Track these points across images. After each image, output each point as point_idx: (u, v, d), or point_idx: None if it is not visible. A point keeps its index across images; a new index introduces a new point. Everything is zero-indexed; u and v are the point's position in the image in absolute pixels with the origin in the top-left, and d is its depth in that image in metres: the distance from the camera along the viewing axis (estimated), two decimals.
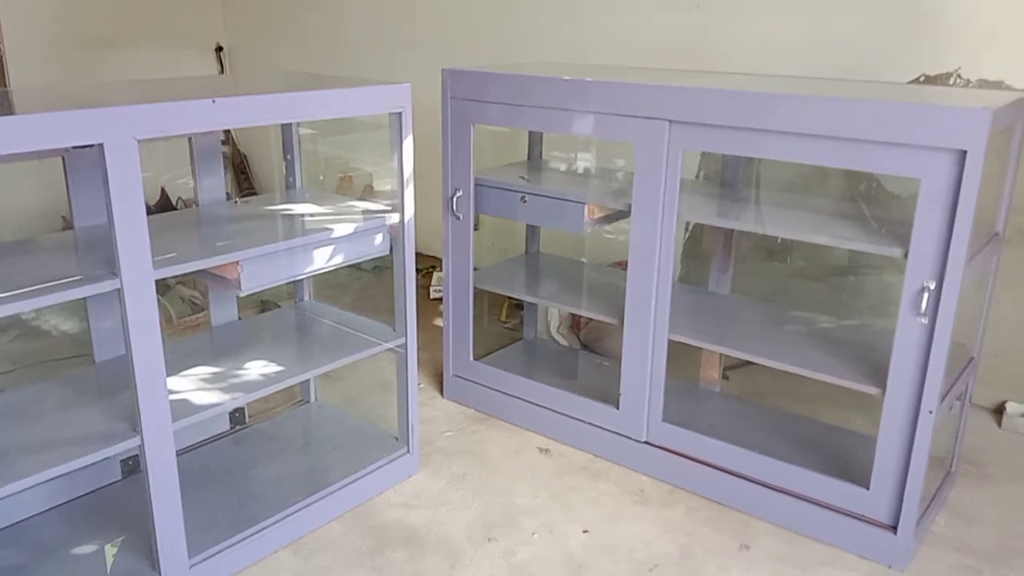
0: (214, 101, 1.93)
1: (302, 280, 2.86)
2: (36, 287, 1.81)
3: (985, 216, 2.35)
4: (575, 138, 3.15)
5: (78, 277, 1.88)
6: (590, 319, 3.42)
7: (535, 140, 3.31)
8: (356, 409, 3.13)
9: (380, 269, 4.44)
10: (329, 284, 4.18)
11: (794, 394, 3.11)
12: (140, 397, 1.93)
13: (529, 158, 3.31)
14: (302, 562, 2.32)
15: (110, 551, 2.19)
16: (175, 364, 2.31)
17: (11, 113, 1.74)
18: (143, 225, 1.84)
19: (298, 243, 2.33)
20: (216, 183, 2.59)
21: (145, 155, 1.82)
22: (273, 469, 2.62)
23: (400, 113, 2.37)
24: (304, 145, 2.77)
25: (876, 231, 2.40)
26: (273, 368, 2.39)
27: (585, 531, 2.48)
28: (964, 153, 1.98)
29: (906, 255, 2.14)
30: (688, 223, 3.59)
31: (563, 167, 3.26)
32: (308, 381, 3.04)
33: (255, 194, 5.56)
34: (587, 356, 3.46)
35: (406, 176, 2.44)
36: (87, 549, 2.22)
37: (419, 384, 3.25)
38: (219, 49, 5.64)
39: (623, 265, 2.68)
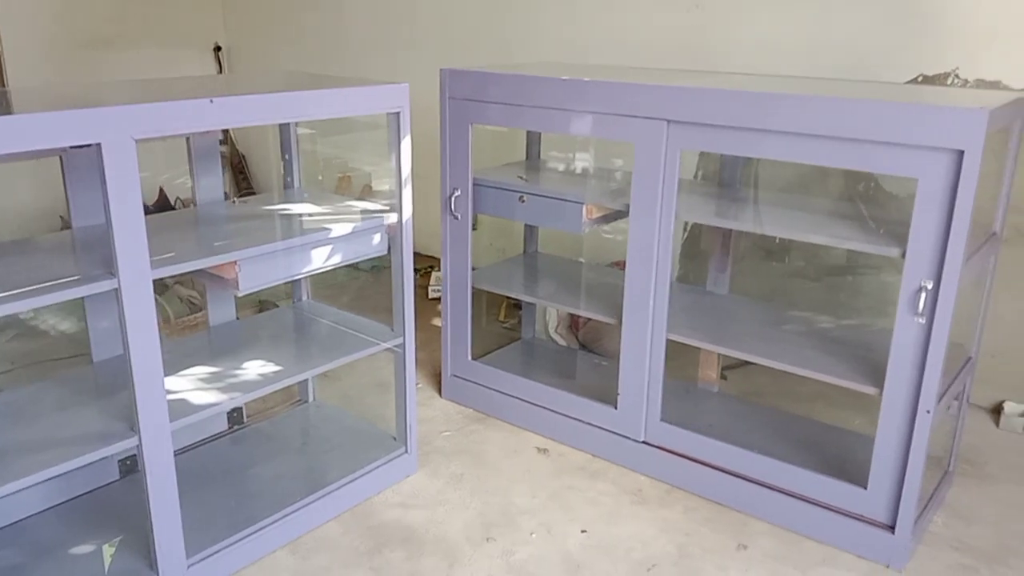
0: (212, 101, 1.93)
1: (300, 280, 2.86)
2: (34, 287, 1.81)
3: (983, 216, 2.36)
4: (573, 138, 3.15)
5: (76, 277, 1.88)
6: (588, 319, 3.42)
7: (533, 140, 3.31)
8: (354, 409, 3.13)
9: (378, 269, 4.44)
10: (327, 284, 4.18)
11: (792, 394, 3.11)
12: (138, 397, 1.93)
13: (527, 158, 3.32)
14: (300, 562, 2.32)
15: (108, 551, 2.19)
16: (173, 364, 2.31)
17: (9, 113, 1.74)
18: (141, 225, 1.84)
19: (296, 243, 2.33)
20: (214, 183, 2.59)
21: (143, 155, 1.82)
22: (271, 469, 2.62)
23: (398, 113, 2.37)
24: (303, 145, 2.77)
25: (874, 231, 2.40)
26: (271, 368, 2.39)
27: (583, 531, 2.48)
28: (961, 153, 1.98)
29: (904, 255, 2.14)
30: (686, 223, 3.59)
31: (561, 167, 3.26)
32: (306, 381, 3.04)
33: (253, 194, 5.55)
34: (585, 356, 3.46)
35: (404, 176, 2.44)
36: (85, 549, 2.22)
37: (417, 384, 3.26)
38: (218, 49, 5.64)
39: (621, 265, 2.68)
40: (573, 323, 3.62)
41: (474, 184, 2.92)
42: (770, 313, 2.88)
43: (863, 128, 2.10)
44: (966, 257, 2.07)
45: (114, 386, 2.20)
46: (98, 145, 1.74)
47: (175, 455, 2.05)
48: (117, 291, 1.85)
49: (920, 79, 3.10)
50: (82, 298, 2.06)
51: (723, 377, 3.24)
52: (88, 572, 2.14)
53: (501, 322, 3.98)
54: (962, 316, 2.22)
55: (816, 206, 2.73)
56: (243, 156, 5.70)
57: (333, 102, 2.25)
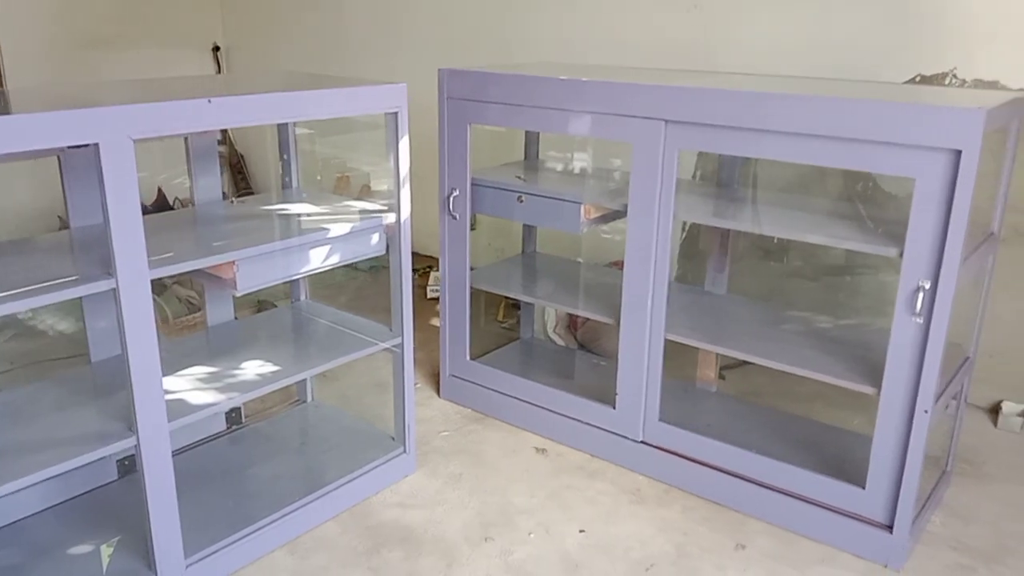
0: (210, 101, 1.93)
1: (298, 280, 2.86)
2: (32, 287, 1.81)
3: (980, 216, 2.36)
4: (572, 138, 3.15)
5: (74, 277, 1.88)
6: (587, 319, 3.42)
7: (532, 140, 3.31)
8: (352, 409, 3.13)
9: (377, 269, 4.45)
10: (326, 284, 4.18)
11: (790, 394, 3.11)
12: (136, 397, 1.93)
13: (526, 158, 3.32)
14: (298, 562, 2.32)
15: (106, 551, 2.19)
16: (171, 364, 2.31)
17: (7, 113, 1.74)
18: (139, 225, 1.84)
19: (294, 243, 2.33)
20: (212, 183, 2.59)
21: (142, 155, 1.82)
22: (269, 469, 2.62)
23: (396, 113, 2.37)
24: (301, 145, 2.77)
25: (872, 231, 2.41)
26: (269, 368, 2.39)
27: (581, 530, 2.48)
28: (959, 153, 1.98)
29: (901, 255, 2.14)
30: (685, 223, 3.60)
31: (560, 167, 3.26)
32: (305, 381, 3.04)
33: (252, 194, 5.55)
34: (584, 356, 3.46)
35: (402, 176, 2.44)
36: (83, 549, 2.22)
37: (416, 384, 3.26)
38: (216, 49, 5.64)
39: (620, 265, 2.68)
40: (572, 323, 3.62)
41: (472, 184, 2.92)
42: (768, 313, 2.89)
43: (861, 128, 2.11)
44: (964, 257, 2.07)
45: (112, 386, 2.20)
46: (96, 145, 1.74)
47: (173, 455, 2.05)
48: (115, 291, 1.85)
49: (918, 79, 3.10)
50: (80, 298, 2.06)
51: (721, 377, 3.24)
52: (86, 572, 2.14)
53: (500, 322, 3.98)
54: (960, 316, 2.22)
55: (814, 206, 2.73)
56: (242, 156, 5.70)
57: (331, 102, 2.25)
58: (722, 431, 2.69)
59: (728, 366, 3.35)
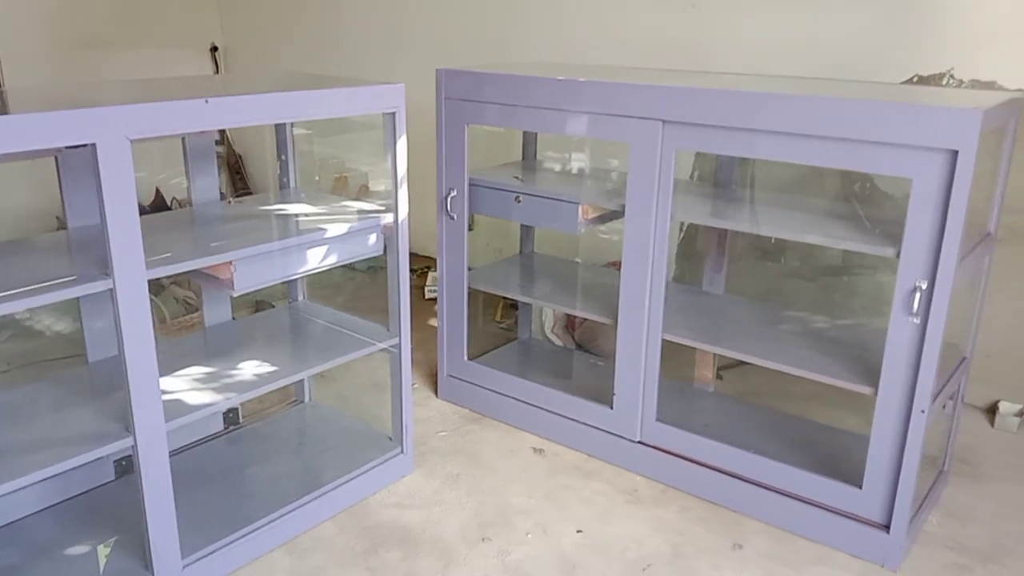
0: (207, 101, 1.93)
1: (296, 280, 2.86)
2: (29, 287, 1.81)
3: (977, 216, 2.36)
4: (569, 138, 3.15)
5: (71, 277, 1.88)
6: (584, 319, 3.42)
7: (529, 140, 3.31)
8: (350, 409, 3.13)
9: (374, 269, 4.44)
10: (323, 284, 4.18)
11: (787, 394, 3.11)
12: (133, 397, 1.93)
13: (523, 158, 3.32)
14: (296, 562, 2.32)
15: (103, 551, 2.19)
16: (169, 364, 2.31)
17: (5, 113, 1.74)
18: (136, 225, 1.84)
19: (291, 243, 2.33)
20: (210, 183, 2.59)
21: (140, 155, 1.82)
22: (267, 469, 2.62)
23: (394, 113, 2.37)
24: (299, 145, 2.77)
25: (869, 231, 2.41)
26: (267, 368, 2.39)
27: (579, 531, 2.48)
28: (956, 153, 1.99)
29: (898, 255, 2.15)
30: (682, 223, 3.60)
31: (557, 167, 3.26)
32: (302, 381, 3.04)
33: (250, 194, 5.55)
34: (581, 356, 3.46)
35: (400, 176, 2.44)
36: (80, 549, 2.22)
37: (413, 384, 3.26)
38: (214, 49, 5.63)
39: (617, 265, 2.68)
40: (569, 323, 3.62)
41: (470, 184, 2.92)
42: (766, 313, 2.89)
43: (858, 128, 2.11)
44: (960, 257, 2.07)
45: (110, 386, 2.20)
46: (93, 145, 1.74)
47: (171, 455, 2.05)
48: (112, 291, 1.85)
49: (915, 79, 3.11)
50: (77, 298, 2.05)
51: (719, 377, 3.24)
52: (83, 572, 2.14)
53: (497, 322, 3.98)
54: (957, 316, 2.22)
55: (812, 206, 2.73)
56: (240, 156, 5.70)
57: (328, 102, 2.25)
58: (719, 431, 2.69)
59: (725, 366, 3.35)
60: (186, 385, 2.25)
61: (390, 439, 2.75)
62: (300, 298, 2.90)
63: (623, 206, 2.59)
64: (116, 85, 2.36)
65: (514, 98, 2.71)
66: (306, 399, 3.07)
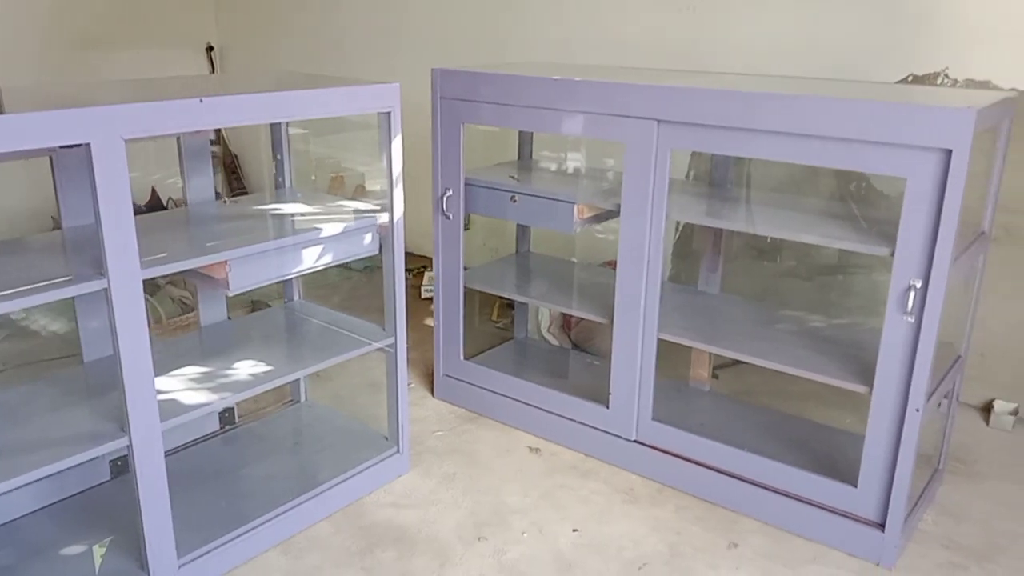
0: (201, 101, 1.93)
1: (292, 280, 2.86)
2: (24, 287, 1.81)
3: (971, 215, 2.37)
4: (565, 138, 3.16)
5: (67, 277, 1.87)
6: (580, 319, 3.43)
7: (525, 140, 3.31)
8: (346, 409, 3.13)
9: (371, 269, 4.44)
10: (319, 284, 4.18)
11: (783, 393, 3.12)
12: (128, 397, 1.93)
13: (519, 158, 3.32)
14: (292, 562, 2.32)
15: (98, 551, 2.18)
16: (164, 364, 2.31)
17: None
18: (130, 225, 1.83)
19: (287, 243, 2.33)
20: (205, 183, 2.59)
21: (136, 155, 1.82)
22: (263, 469, 2.62)
23: (389, 113, 2.37)
24: (295, 145, 2.77)
25: (865, 230, 2.41)
26: (263, 368, 2.39)
27: (575, 530, 2.48)
28: (949, 152, 1.99)
29: (893, 254, 2.15)
30: (678, 223, 3.60)
31: (553, 167, 3.26)
32: (298, 381, 3.04)
33: (246, 194, 5.55)
34: (577, 355, 3.47)
35: (395, 176, 2.44)
36: (76, 549, 2.22)
37: (409, 384, 3.26)
38: (210, 49, 5.63)
39: (613, 265, 2.68)
40: (565, 323, 3.62)
41: (466, 184, 2.92)
42: (761, 312, 2.89)
43: (852, 128, 2.11)
44: (954, 256, 2.08)
45: (105, 386, 2.20)
46: (87, 145, 1.73)
47: (167, 455, 2.05)
48: (107, 291, 1.85)
49: (910, 79, 3.11)
50: (73, 298, 2.05)
51: (714, 376, 3.25)
52: (79, 573, 2.14)
53: (494, 322, 3.98)
54: (951, 315, 2.23)
55: (807, 205, 2.74)
56: (236, 156, 5.70)
57: (323, 102, 2.25)
58: (715, 430, 2.69)
59: (721, 365, 3.36)
60: (182, 385, 2.25)
61: (386, 439, 2.75)
62: (296, 298, 2.90)
63: (619, 206, 2.60)
64: (110, 85, 2.36)
65: (510, 98, 2.71)
66: (302, 399, 3.07)
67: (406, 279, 2.59)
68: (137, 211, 1.85)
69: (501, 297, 3.86)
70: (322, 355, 2.50)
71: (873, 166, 2.15)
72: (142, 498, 2.02)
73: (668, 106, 2.40)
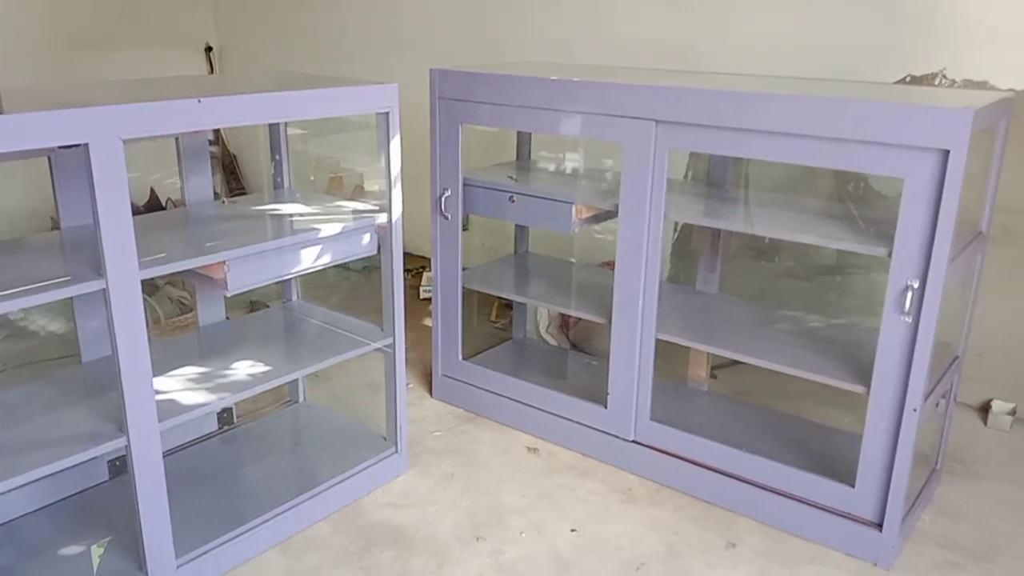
0: (199, 101, 1.93)
1: (290, 280, 2.86)
2: (23, 287, 1.81)
3: (969, 215, 2.37)
4: (563, 138, 3.16)
5: (65, 277, 1.87)
6: (579, 319, 3.43)
7: (523, 140, 3.31)
8: (345, 409, 3.13)
9: (369, 269, 4.44)
10: (317, 284, 4.17)
11: (781, 392, 3.12)
12: (126, 397, 1.93)
13: (518, 158, 3.32)
14: (290, 562, 2.32)
15: (96, 551, 2.18)
16: (162, 364, 2.31)
17: None
18: (128, 225, 1.84)
19: (285, 243, 2.33)
20: (203, 183, 2.59)
21: (135, 155, 1.83)
22: (261, 469, 2.62)
23: (387, 113, 2.37)
24: (294, 145, 2.77)
25: (863, 231, 2.42)
26: (261, 368, 2.39)
27: (573, 530, 2.48)
28: (947, 153, 1.99)
29: (890, 254, 2.15)
30: (676, 223, 3.60)
31: (551, 167, 3.27)
32: (296, 381, 3.04)
33: (245, 194, 5.55)
34: (576, 355, 3.47)
35: (393, 176, 2.44)
36: (74, 550, 2.22)
37: (408, 384, 3.26)
38: (209, 49, 5.63)
39: (611, 265, 2.69)
40: (564, 323, 3.63)
41: (464, 184, 2.93)
42: (759, 312, 2.90)
43: (849, 128, 2.12)
44: (952, 256, 2.08)
45: (103, 386, 2.20)
46: (86, 145, 1.73)
47: (165, 455, 2.05)
48: (105, 291, 1.85)
49: (908, 79, 3.12)
50: (71, 298, 2.05)
51: (713, 376, 3.25)
52: (77, 573, 2.14)
53: (492, 322, 3.98)
54: (949, 315, 2.23)
55: (805, 206, 2.74)
56: (234, 156, 5.70)
57: (321, 102, 2.25)
58: (713, 430, 2.70)
59: (719, 365, 3.36)
60: (180, 385, 2.25)
61: (384, 439, 2.75)
62: (294, 298, 2.90)
63: (617, 206, 2.60)
64: (109, 85, 2.36)
65: (508, 98, 2.71)
66: (300, 399, 3.07)
67: (405, 279, 2.59)
68: (135, 211, 1.85)
69: (499, 297, 3.86)
70: (320, 355, 2.50)
71: (871, 166, 2.15)
72: (140, 498, 2.02)
73: (666, 106, 2.40)
